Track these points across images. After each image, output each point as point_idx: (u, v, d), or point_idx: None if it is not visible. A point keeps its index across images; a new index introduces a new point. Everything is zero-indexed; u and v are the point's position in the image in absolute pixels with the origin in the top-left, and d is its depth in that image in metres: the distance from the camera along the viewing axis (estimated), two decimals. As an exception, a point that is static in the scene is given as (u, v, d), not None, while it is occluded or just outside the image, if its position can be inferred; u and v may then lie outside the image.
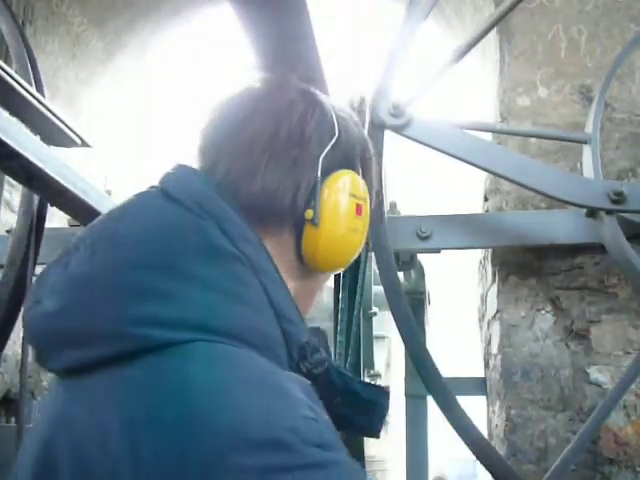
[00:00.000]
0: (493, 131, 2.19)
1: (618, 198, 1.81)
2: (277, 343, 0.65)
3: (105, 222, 0.67)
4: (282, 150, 0.71)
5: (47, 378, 2.97)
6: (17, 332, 2.31)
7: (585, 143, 1.95)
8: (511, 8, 1.79)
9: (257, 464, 0.52)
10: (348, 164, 0.75)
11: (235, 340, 0.60)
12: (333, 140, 0.73)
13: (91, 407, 0.58)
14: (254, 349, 0.61)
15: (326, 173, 0.72)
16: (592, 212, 1.93)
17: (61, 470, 0.57)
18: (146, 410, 0.55)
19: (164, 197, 0.67)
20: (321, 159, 0.72)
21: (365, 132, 0.83)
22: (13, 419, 2.76)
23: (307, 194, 0.71)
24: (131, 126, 4.04)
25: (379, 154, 1.77)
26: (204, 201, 0.67)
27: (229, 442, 0.52)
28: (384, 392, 0.76)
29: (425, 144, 1.81)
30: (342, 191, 0.73)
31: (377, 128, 1.78)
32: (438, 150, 1.81)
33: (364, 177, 0.78)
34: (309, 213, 0.71)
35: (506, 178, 1.86)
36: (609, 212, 1.85)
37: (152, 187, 0.71)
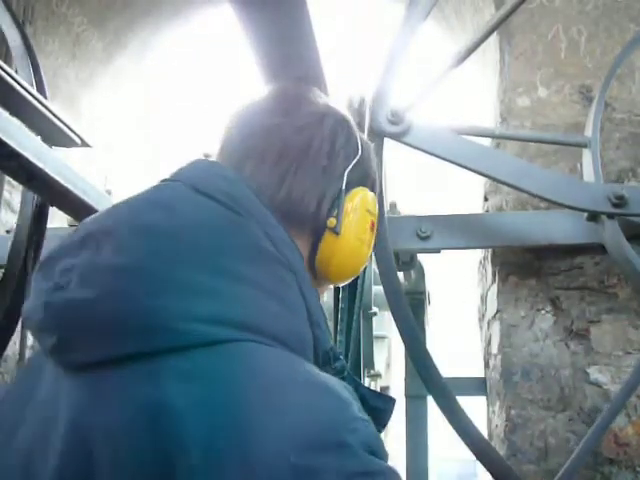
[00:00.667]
0: (493, 136, 2.19)
1: (619, 202, 1.79)
2: (308, 346, 0.66)
3: (126, 212, 0.64)
4: (312, 160, 0.73)
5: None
6: (17, 332, 2.30)
7: (585, 147, 1.94)
8: (511, 12, 1.79)
9: (322, 466, 0.52)
10: (365, 182, 0.79)
11: (274, 340, 0.61)
12: (357, 157, 0.77)
13: (133, 402, 0.55)
14: (289, 350, 0.62)
15: (348, 187, 0.76)
16: (593, 216, 1.93)
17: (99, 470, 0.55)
18: (202, 409, 0.53)
19: (193, 191, 0.66)
20: (346, 173, 0.75)
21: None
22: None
23: (330, 204, 0.74)
24: (131, 126, 4.04)
25: (379, 162, 1.76)
26: (242, 200, 0.67)
27: (292, 442, 0.52)
28: (391, 400, 0.77)
29: (424, 151, 1.81)
30: (362, 206, 0.77)
31: (376, 136, 1.78)
32: (437, 157, 1.81)
33: None
34: (332, 221, 0.74)
35: (506, 183, 1.86)
36: (610, 216, 1.85)
37: (166, 180, 0.70)
